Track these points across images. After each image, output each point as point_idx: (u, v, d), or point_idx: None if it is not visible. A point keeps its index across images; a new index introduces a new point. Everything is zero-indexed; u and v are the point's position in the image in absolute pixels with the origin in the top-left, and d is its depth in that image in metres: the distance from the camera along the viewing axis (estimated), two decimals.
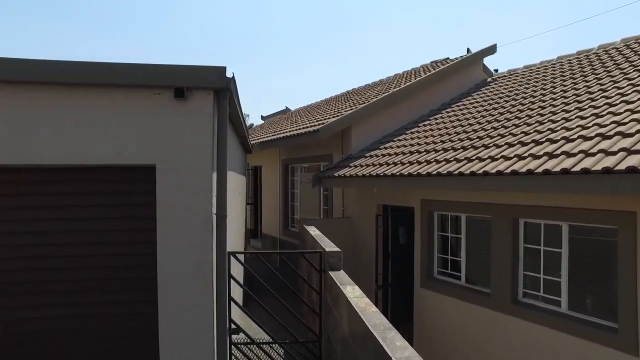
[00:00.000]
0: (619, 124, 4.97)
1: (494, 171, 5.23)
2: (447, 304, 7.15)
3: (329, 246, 5.65)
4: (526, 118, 6.93)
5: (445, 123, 8.99)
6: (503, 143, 6.07)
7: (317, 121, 11.22)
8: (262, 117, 26.52)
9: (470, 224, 6.97)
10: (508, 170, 5.04)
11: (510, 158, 5.43)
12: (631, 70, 6.98)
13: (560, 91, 7.58)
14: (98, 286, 3.86)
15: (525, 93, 8.61)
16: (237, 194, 8.06)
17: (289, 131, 11.94)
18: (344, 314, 4.19)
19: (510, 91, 9.39)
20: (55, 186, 3.81)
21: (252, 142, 12.97)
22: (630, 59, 7.67)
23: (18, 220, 3.78)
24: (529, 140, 5.68)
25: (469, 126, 7.98)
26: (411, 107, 10.66)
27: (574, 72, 8.54)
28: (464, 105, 10.00)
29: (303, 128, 10.89)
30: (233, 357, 5.36)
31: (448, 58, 13.16)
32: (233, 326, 5.40)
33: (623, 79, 6.67)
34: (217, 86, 3.84)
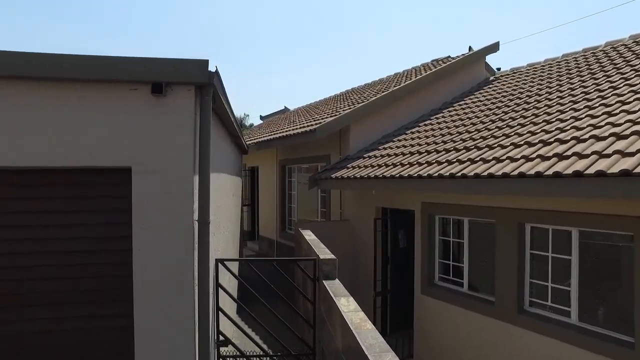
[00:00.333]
0: (634, 122, 4.64)
1: (499, 173, 4.89)
2: (448, 312, 6.82)
3: (324, 253, 5.32)
4: (532, 117, 6.59)
5: (447, 123, 8.65)
6: (508, 143, 5.74)
7: (314, 121, 10.89)
8: (261, 117, 26.19)
9: (473, 228, 6.64)
10: (515, 173, 4.71)
11: (517, 159, 5.09)
12: None
13: (568, 89, 7.25)
14: (66, 298, 3.53)
15: (531, 91, 8.28)
16: (230, 196, 7.73)
17: (286, 131, 11.62)
18: (337, 329, 3.86)
19: (515, 90, 9.05)
20: (21, 191, 3.48)
21: (248, 143, 12.65)
22: None
23: None
24: (536, 141, 5.35)
25: (472, 126, 7.65)
26: (412, 107, 10.33)
27: (580, 69, 8.21)
28: (467, 104, 9.67)
29: (300, 128, 10.56)
30: None
31: (449, 56, 12.83)
32: (222, 338, 5.08)
33: (635, 76, 6.34)
34: (199, 81, 3.51)
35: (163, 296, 3.56)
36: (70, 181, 3.52)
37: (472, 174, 5.26)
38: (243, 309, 5.87)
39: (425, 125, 9.27)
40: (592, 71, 7.67)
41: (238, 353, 5.05)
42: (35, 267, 3.47)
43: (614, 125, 4.84)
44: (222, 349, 5.09)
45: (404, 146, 8.14)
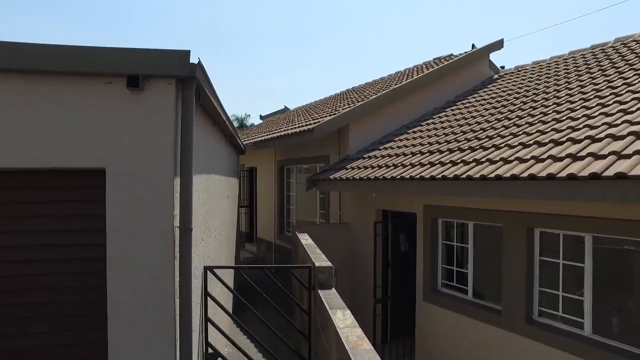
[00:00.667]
0: None
1: (508, 175, 4.56)
2: (452, 320, 6.49)
3: (320, 260, 4.99)
4: (540, 116, 6.26)
5: (450, 122, 8.32)
6: (516, 143, 5.40)
7: (313, 120, 10.56)
8: (261, 117, 25.86)
9: (479, 232, 6.31)
10: (525, 175, 4.38)
11: (526, 160, 4.76)
12: None
13: (577, 86, 6.91)
14: (32, 312, 3.21)
15: (537, 89, 7.94)
16: (224, 198, 7.41)
17: (283, 131, 11.29)
18: (332, 346, 3.53)
19: (520, 87, 8.71)
20: None
21: (245, 142, 12.33)
22: None
23: None
24: (547, 140, 5.02)
25: (476, 125, 7.32)
26: (413, 106, 9.99)
27: (590, 66, 7.87)
28: (470, 103, 9.34)
29: (298, 127, 10.24)
30: None
31: (452, 54, 12.49)
32: (210, 351, 4.76)
33: None
34: (180, 74, 3.19)
35: (140, 309, 3.23)
36: (37, 184, 3.20)
37: (478, 175, 4.93)
38: (241, 316, 5.56)
39: (428, 124, 8.94)
40: (603, 68, 7.33)
41: None
42: None
43: (631, 123, 4.51)
44: None
45: (406, 146, 7.81)
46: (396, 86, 9.78)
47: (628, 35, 8.61)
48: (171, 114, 3.25)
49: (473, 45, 12.15)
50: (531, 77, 9.24)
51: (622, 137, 4.23)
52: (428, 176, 5.67)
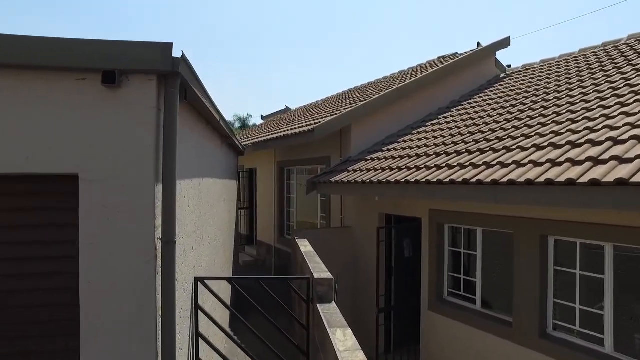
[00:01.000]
0: None
1: (522, 180, 4.22)
2: (459, 332, 6.14)
3: (319, 270, 4.66)
4: (554, 116, 5.91)
5: (456, 122, 7.97)
6: (529, 145, 5.06)
7: (314, 120, 10.23)
8: (262, 117, 25.55)
9: (488, 239, 5.97)
10: (541, 180, 4.04)
11: (542, 164, 4.42)
12: None
13: (592, 85, 6.56)
14: None
15: (548, 88, 7.59)
16: (220, 201, 7.08)
17: (283, 131, 10.96)
18: None
19: (530, 86, 8.36)
20: None
21: (244, 143, 12.00)
22: None
23: None
24: (563, 142, 4.67)
25: (484, 125, 6.97)
26: (417, 105, 9.65)
27: (603, 64, 7.51)
28: (477, 102, 8.99)
29: (298, 128, 9.91)
30: None
31: (457, 53, 12.15)
32: None
33: None
34: (162, 69, 2.86)
35: (116, 329, 2.90)
36: (4, 191, 2.87)
37: (489, 180, 4.59)
38: (238, 328, 5.24)
39: (433, 125, 8.60)
40: (618, 65, 6.97)
41: None
42: None
43: None
44: None
45: (410, 148, 7.47)
46: (399, 85, 9.44)
47: None
48: (152, 113, 2.92)
49: (479, 44, 11.80)
50: (540, 76, 8.89)
51: None
52: (435, 180, 5.33)
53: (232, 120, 55.26)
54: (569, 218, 4.64)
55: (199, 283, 4.40)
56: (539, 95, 7.36)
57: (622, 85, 5.88)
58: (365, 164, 7.62)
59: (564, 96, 6.63)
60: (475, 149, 5.83)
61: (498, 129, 6.45)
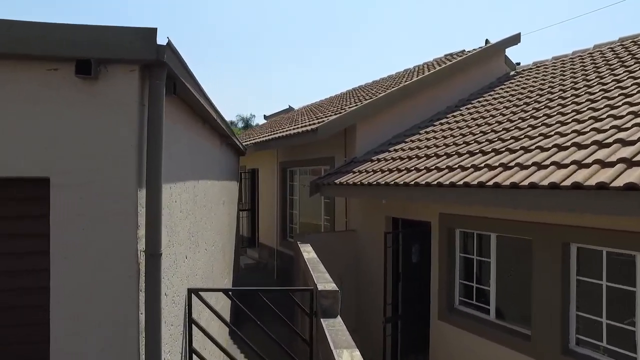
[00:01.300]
0: None
1: (545, 183, 3.85)
2: (471, 343, 5.77)
3: (323, 280, 4.30)
4: (573, 114, 5.54)
5: (467, 121, 7.60)
6: (550, 145, 4.69)
7: (317, 119, 9.87)
8: (265, 117, 25.22)
9: (503, 245, 5.60)
10: (567, 183, 3.67)
11: (566, 165, 4.05)
12: None
13: (613, 81, 6.18)
14: None
15: (564, 85, 7.21)
16: (219, 204, 6.74)
17: (285, 131, 10.61)
18: None
19: (543, 84, 7.98)
20: None
21: (245, 143, 11.66)
22: None
23: None
24: (589, 142, 4.30)
25: (497, 124, 6.59)
26: (424, 104, 9.27)
27: (622, 59, 7.13)
28: (487, 101, 8.61)
29: (301, 127, 9.55)
30: None
31: (464, 50, 11.78)
32: None
33: None
34: (144, 58, 2.51)
35: (93, 354, 2.55)
36: None
37: (507, 183, 4.22)
38: (238, 334, 4.87)
39: (442, 124, 8.23)
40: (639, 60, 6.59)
41: None
42: None
43: None
44: None
45: (419, 148, 7.10)
46: (406, 83, 9.07)
47: None
48: (134, 109, 2.57)
49: (487, 41, 11.42)
50: (554, 73, 8.50)
51: None
52: (447, 182, 4.96)
53: (235, 120, 54.99)
54: (594, 224, 4.27)
55: (192, 295, 4.05)
56: (555, 93, 6.98)
57: None
58: (371, 165, 7.26)
59: (583, 93, 6.25)
60: (489, 149, 5.46)
61: (513, 128, 6.07)
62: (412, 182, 5.52)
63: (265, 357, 4.10)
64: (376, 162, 7.38)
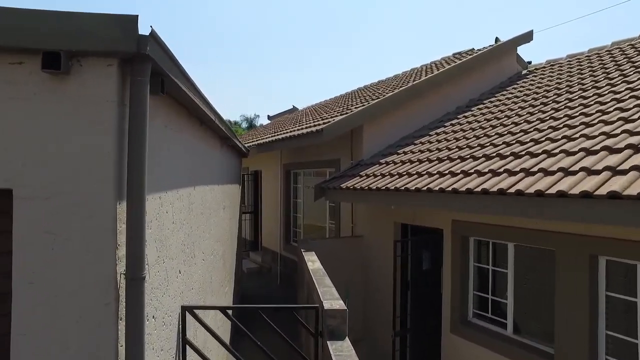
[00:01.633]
0: None
1: (576, 192, 3.47)
2: (486, 359, 5.40)
3: (329, 297, 3.93)
4: (598, 114, 5.15)
5: (480, 122, 7.22)
6: (576, 149, 4.30)
7: (322, 120, 9.51)
8: (269, 117, 24.89)
9: (521, 255, 5.22)
10: (602, 192, 3.29)
11: (598, 171, 3.67)
12: None
13: (639, 79, 5.78)
14: None
15: (583, 84, 6.81)
16: (219, 210, 6.39)
17: (289, 132, 10.25)
18: None
19: (560, 82, 7.59)
20: None
21: (248, 145, 11.32)
22: None
23: None
24: (622, 145, 3.92)
25: (514, 126, 6.21)
26: (433, 104, 8.89)
27: None
28: (500, 100, 8.22)
29: (305, 128, 9.19)
30: None
31: (473, 49, 11.39)
32: None
33: None
34: (123, 50, 2.15)
35: None
36: None
37: (532, 190, 3.84)
38: (241, 346, 4.53)
39: (453, 125, 7.84)
40: None
41: None
42: None
43: None
44: None
45: (430, 150, 6.72)
46: (415, 82, 8.70)
47: None
48: (112, 109, 2.21)
49: (497, 39, 11.02)
50: (570, 71, 8.11)
51: None
52: (463, 189, 4.58)
53: (240, 121, 54.63)
54: (627, 236, 3.89)
55: (187, 313, 3.70)
56: (574, 92, 6.59)
57: None
58: (380, 169, 6.89)
59: (607, 92, 5.85)
60: (507, 153, 5.08)
61: (531, 129, 5.69)
62: (425, 188, 5.14)
63: None
64: (384, 165, 7.01)
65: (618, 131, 4.31)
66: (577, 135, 4.69)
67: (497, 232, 5.31)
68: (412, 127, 8.59)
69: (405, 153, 7.21)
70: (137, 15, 2.11)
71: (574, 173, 3.84)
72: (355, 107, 8.71)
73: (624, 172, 3.45)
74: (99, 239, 2.20)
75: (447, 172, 5.33)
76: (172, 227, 3.47)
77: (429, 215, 6.35)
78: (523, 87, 8.54)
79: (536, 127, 5.68)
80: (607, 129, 4.52)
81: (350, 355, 3.16)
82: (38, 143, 2.17)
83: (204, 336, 4.32)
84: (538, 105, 6.73)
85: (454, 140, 6.72)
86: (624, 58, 7.23)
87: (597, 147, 4.11)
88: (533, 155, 4.71)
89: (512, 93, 8.42)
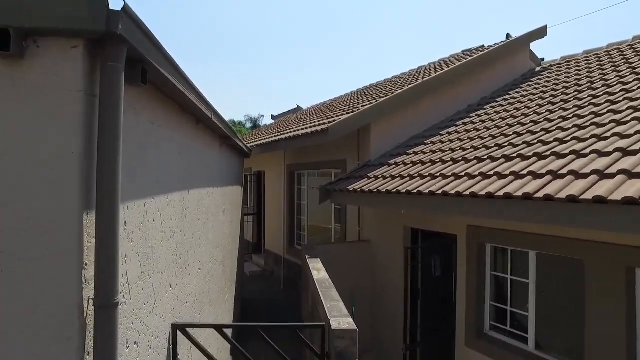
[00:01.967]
0: None
1: (617, 198, 3.06)
2: None
3: (337, 313, 3.53)
4: (630, 111, 4.73)
5: (494, 121, 6.80)
6: (610, 149, 3.88)
7: (327, 119, 9.12)
8: (273, 117, 24.51)
9: (544, 264, 4.81)
10: None
11: (639, 175, 3.25)
12: None
13: None
14: None
15: (607, 79, 6.38)
16: (219, 214, 6.01)
17: (293, 131, 9.86)
18: None
19: (579, 78, 7.16)
20: None
21: (250, 145, 10.94)
22: None
23: None
24: None
25: (533, 124, 5.80)
26: (443, 103, 8.47)
27: None
28: (515, 98, 7.80)
29: (310, 127, 8.80)
30: None
31: (483, 46, 10.96)
32: None
33: None
34: (91, 29, 1.76)
35: None
36: None
37: (563, 195, 3.43)
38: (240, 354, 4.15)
39: (465, 124, 7.43)
40: None
41: None
42: None
43: None
44: None
45: (442, 151, 6.31)
46: (425, 79, 8.29)
47: None
48: (77, 100, 1.83)
49: (508, 35, 10.61)
50: (589, 67, 7.68)
51: None
52: (483, 193, 4.17)
53: (244, 121, 54.30)
54: None
55: (178, 332, 3.32)
56: (597, 88, 6.17)
57: None
58: (389, 170, 6.48)
59: (636, 87, 5.43)
60: (529, 154, 4.67)
61: (554, 128, 5.27)
62: (440, 191, 4.74)
63: None
64: (394, 166, 6.61)
65: None
66: (608, 135, 4.28)
67: (517, 239, 4.91)
68: (422, 127, 8.19)
69: (415, 153, 6.80)
70: None
71: (612, 176, 3.43)
72: (362, 106, 8.31)
73: None
74: (60, 258, 1.81)
75: (463, 174, 4.93)
76: (161, 236, 3.08)
77: (441, 220, 5.94)
78: (539, 84, 8.12)
79: (559, 125, 5.27)
80: None
81: None
82: None
83: (199, 356, 3.93)
84: (558, 103, 6.31)
85: (468, 140, 6.31)
86: None
87: (637, 147, 3.69)
88: (560, 156, 4.30)
89: (527, 90, 8.00)
